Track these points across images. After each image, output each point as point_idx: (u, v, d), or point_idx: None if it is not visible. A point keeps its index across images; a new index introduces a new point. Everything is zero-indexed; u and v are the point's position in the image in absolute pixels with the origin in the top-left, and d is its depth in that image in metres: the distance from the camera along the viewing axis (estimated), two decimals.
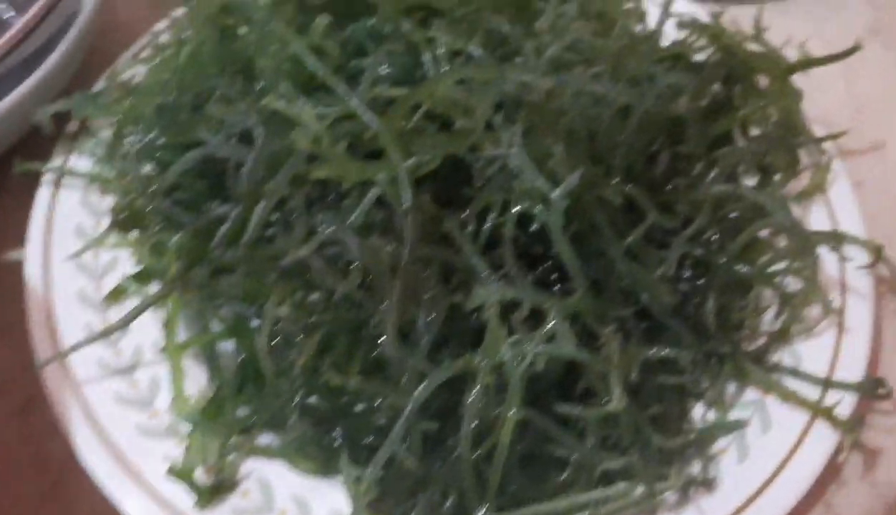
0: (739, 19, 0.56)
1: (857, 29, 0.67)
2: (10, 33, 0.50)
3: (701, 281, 0.44)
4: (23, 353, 0.47)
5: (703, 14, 0.56)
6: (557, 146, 0.41)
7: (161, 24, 0.52)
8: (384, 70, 0.45)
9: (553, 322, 0.38)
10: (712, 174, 0.46)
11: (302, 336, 0.40)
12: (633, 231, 0.43)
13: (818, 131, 0.54)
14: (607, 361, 0.38)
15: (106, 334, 0.42)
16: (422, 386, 0.38)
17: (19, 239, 0.50)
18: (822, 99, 0.59)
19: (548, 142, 0.41)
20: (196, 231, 0.42)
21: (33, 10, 0.49)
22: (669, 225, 0.43)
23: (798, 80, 0.53)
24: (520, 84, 0.42)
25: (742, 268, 0.45)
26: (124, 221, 0.44)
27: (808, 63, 0.50)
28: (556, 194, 0.39)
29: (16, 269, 0.49)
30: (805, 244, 0.44)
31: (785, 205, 0.45)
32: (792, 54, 0.53)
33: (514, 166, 0.40)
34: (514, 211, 0.41)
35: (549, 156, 0.41)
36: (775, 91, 0.49)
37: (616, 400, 0.37)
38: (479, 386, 0.38)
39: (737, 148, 0.47)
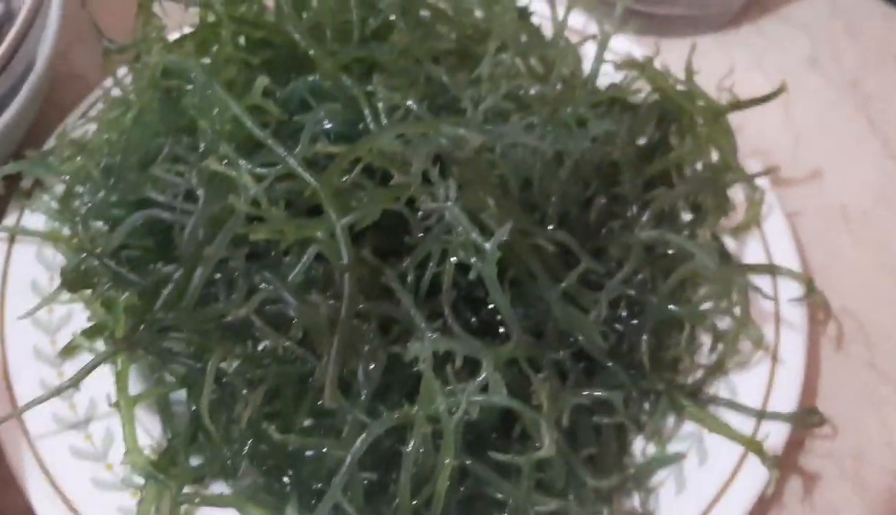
0: (677, 52, 0.58)
1: (795, 59, 0.69)
2: None
3: (635, 321, 0.46)
4: None
5: (637, 51, 0.57)
6: (490, 199, 0.42)
7: (108, 81, 0.53)
8: (326, 125, 0.46)
9: (486, 371, 0.39)
10: (645, 216, 0.47)
11: (247, 390, 0.41)
12: (569, 274, 0.44)
13: (754, 163, 0.56)
14: (538, 409, 0.39)
15: (57, 393, 0.43)
16: (360, 438, 0.39)
17: None
18: (761, 128, 0.61)
19: (481, 194, 0.43)
20: (142, 291, 0.43)
21: None
22: (602, 270, 0.44)
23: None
24: (454, 138, 0.44)
25: (674, 308, 0.46)
26: (73, 281, 0.45)
27: (737, 106, 0.52)
28: (488, 246, 0.41)
29: None
30: (730, 286, 0.46)
31: (710, 249, 0.46)
32: (732, 84, 0.55)
33: (450, 219, 0.42)
34: (451, 262, 0.42)
35: (484, 208, 0.43)
36: (707, 133, 0.51)
37: (546, 448, 0.39)
38: (416, 437, 0.39)
39: (668, 192, 0.48)
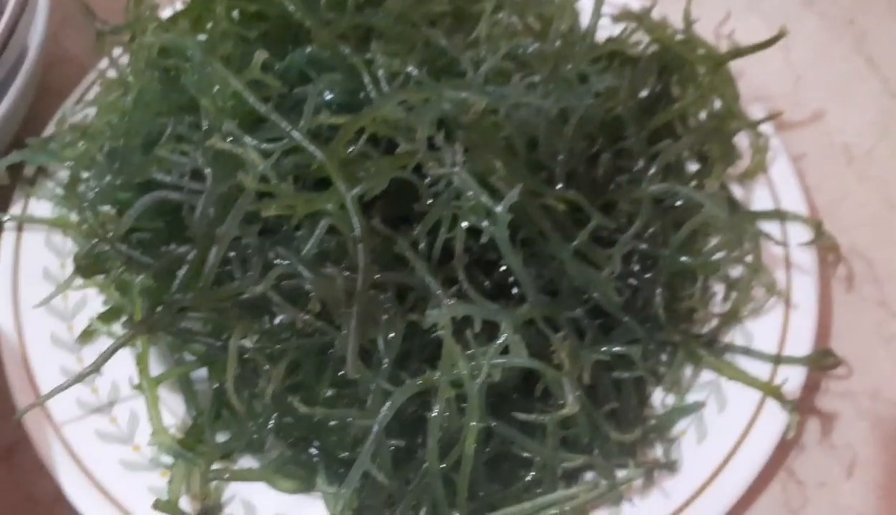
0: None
1: (793, 2, 0.68)
2: None
3: (648, 275, 0.46)
4: (3, 397, 0.48)
5: (634, 2, 0.57)
6: (497, 161, 0.42)
7: (104, 63, 0.53)
8: (327, 96, 0.46)
9: (505, 333, 0.39)
10: (653, 169, 0.47)
11: (269, 365, 0.42)
12: (580, 232, 0.44)
13: (757, 108, 0.56)
14: (558, 367, 0.40)
15: (79, 379, 0.43)
16: (385, 406, 0.40)
17: None
18: (761, 71, 0.61)
19: (488, 157, 0.43)
20: (157, 272, 0.43)
21: None
22: (612, 225, 0.44)
23: None
24: (457, 102, 0.43)
25: (687, 260, 0.46)
26: (87, 267, 0.45)
27: (737, 53, 0.52)
28: (499, 209, 0.41)
29: None
30: (741, 235, 0.46)
31: (719, 200, 0.47)
32: (732, 31, 0.54)
33: (459, 184, 0.42)
34: (462, 226, 0.42)
35: (491, 171, 0.42)
36: (709, 82, 0.50)
37: (570, 405, 0.39)
38: (440, 402, 0.39)
39: (674, 144, 0.48)
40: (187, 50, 0.46)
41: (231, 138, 0.43)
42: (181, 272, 0.41)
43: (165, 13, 0.57)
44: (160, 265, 0.43)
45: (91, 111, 0.54)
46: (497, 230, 0.41)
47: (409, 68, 0.46)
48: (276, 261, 0.41)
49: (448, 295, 0.42)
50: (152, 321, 0.42)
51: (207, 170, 0.43)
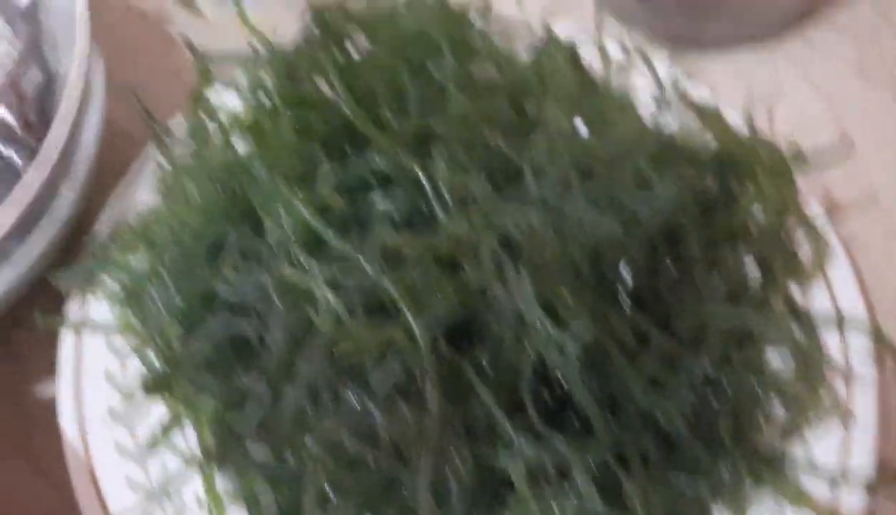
0: (719, 68, 0.57)
1: (844, 70, 0.67)
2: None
3: (710, 394, 0.46)
4: (66, 492, 0.48)
5: (693, 89, 0.56)
6: (564, 289, 0.42)
7: (151, 150, 0.53)
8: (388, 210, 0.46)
9: (578, 478, 0.40)
10: (715, 282, 0.47)
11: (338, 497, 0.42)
12: (644, 350, 0.44)
13: (815, 203, 0.55)
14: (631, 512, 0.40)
15: (151, 499, 0.44)
16: None
17: (48, 368, 0.52)
18: (813, 145, 0.60)
19: (555, 285, 0.43)
20: (226, 402, 0.43)
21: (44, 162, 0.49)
22: (679, 350, 0.44)
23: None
24: (522, 225, 0.44)
25: (754, 383, 0.46)
26: (153, 388, 0.46)
27: (801, 158, 0.51)
28: (569, 348, 0.41)
29: (49, 405, 0.51)
30: (812, 364, 0.46)
31: (788, 329, 0.46)
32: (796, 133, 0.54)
33: (527, 316, 0.42)
34: (529, 356, 0.42)
35: (559, 297, 0.43)
36: (772, 187, 0.50)
37: None
38: None
39: (736, 256, 0.48)
40: (252, 168, 0.45)
41: (298, 262, 0.43)
42: (254, 410, 0.41)
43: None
44: (230, 393, 0.43)
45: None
46: (567, 367, 0.41)
47: (472, 183, 0.46)
48: (346, 397, 0.42)
49: (517, 428, 0.42)
50: (223, 453, 0.42)
51: (275, 300, 0.43)
